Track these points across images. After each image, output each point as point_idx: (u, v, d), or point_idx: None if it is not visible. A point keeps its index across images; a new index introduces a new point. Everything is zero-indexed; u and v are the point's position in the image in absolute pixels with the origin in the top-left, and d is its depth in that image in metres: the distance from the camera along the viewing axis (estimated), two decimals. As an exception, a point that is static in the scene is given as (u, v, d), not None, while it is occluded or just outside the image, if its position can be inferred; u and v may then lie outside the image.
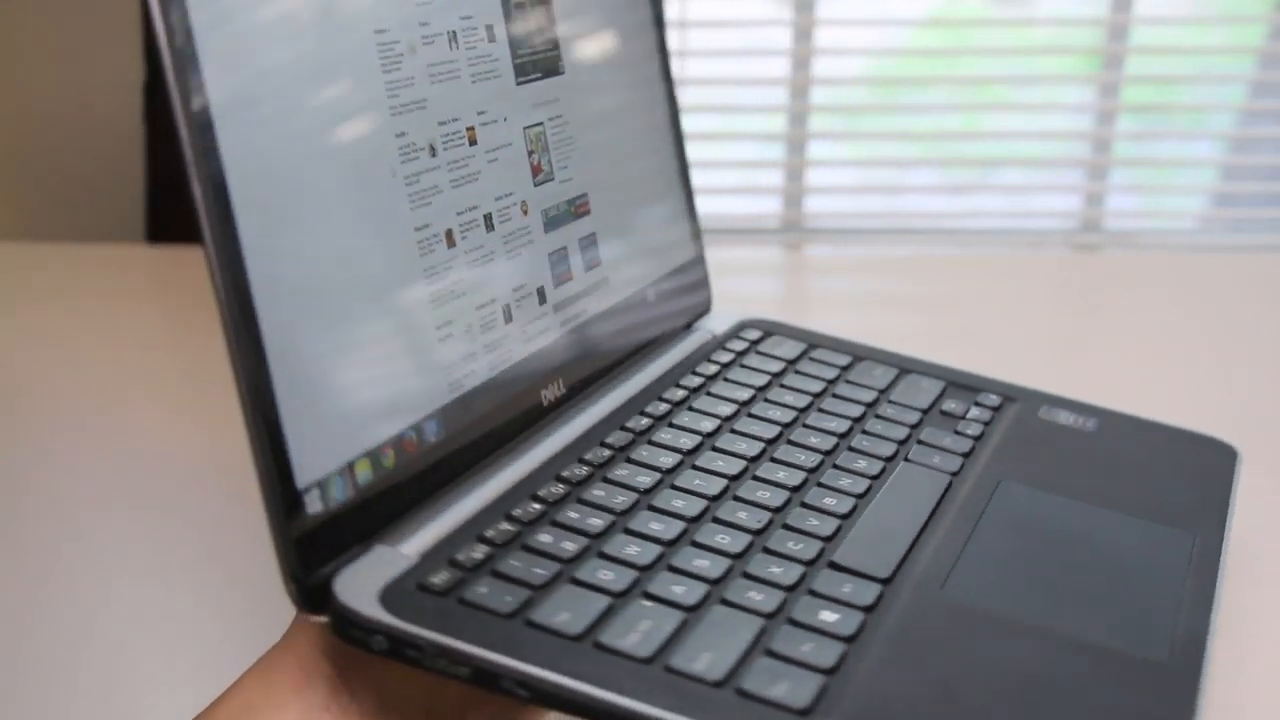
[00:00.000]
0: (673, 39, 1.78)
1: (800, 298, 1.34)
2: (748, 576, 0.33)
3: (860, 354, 0.49)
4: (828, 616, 0.32)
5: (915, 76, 1.88)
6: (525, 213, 0.40)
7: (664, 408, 0.43)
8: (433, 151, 0.36)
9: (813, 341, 0.50)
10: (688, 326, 0.50)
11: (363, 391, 0.33)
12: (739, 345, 0.48)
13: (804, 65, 1.80)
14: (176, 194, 1.64)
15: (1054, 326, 1.10)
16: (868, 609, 0.33)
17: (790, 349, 0.49)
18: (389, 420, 0.33)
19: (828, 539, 0.36)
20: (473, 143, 0.38)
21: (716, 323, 0.50)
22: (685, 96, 1.87)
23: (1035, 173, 1.88)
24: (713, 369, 0.46)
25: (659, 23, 0.48)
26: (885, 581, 0.34)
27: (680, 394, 0.44)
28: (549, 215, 0.42)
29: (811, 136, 1.83)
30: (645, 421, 0.41)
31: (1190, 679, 0.32)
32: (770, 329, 0.50)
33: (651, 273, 0.48)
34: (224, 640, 0.58)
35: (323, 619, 0.31)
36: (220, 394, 0.93)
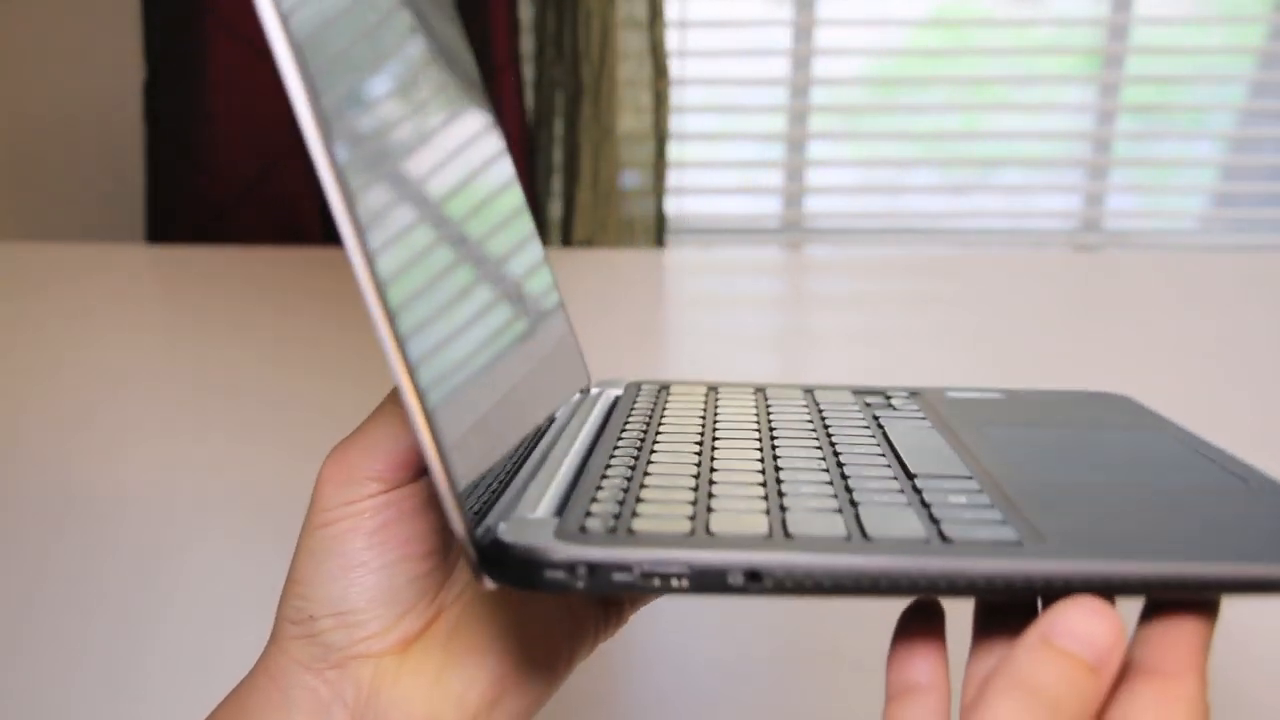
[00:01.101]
0: (673, 39, 1.78)
1: (800, 298, 1.34)
2: (853, 491, 0.34)
3: (759, 386, 0.51)
4: (957, 499, 0.33)
5: (915, 76, 1.88)
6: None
7: (643, 422, 0.43)
8: None
9: (711, 385, 0.51)
10: (584, 393, 0.50)
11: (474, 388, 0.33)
12: (650, 392, 0.49)
13: (804, 65, 1.80)
14: (176, 194, 1.64)
15: (1050, 327, 1.10)
16: (978, 491, 0.34)
17: (699, 390, 0.50)
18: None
19: (886, 465, 0.37)
20: None
21: (603, 390, 0.51)
22: (685, 96, 1.88)
23: (1035, 173, 1.88)
24: (648, 405, 0.47)
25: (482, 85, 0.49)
26: (968, 478, 0.36)
27: (644, 415, 0.44)
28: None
29: (811, 136, 1.83)
30: (642, 423, 0.42)
31: None
32: (664, 384, 0.51)
33: (557, 332, 0.48)
34: (211, 646, 0.58)
35: (492, 586, 0.31)
36: (218, 392, 0.93)
